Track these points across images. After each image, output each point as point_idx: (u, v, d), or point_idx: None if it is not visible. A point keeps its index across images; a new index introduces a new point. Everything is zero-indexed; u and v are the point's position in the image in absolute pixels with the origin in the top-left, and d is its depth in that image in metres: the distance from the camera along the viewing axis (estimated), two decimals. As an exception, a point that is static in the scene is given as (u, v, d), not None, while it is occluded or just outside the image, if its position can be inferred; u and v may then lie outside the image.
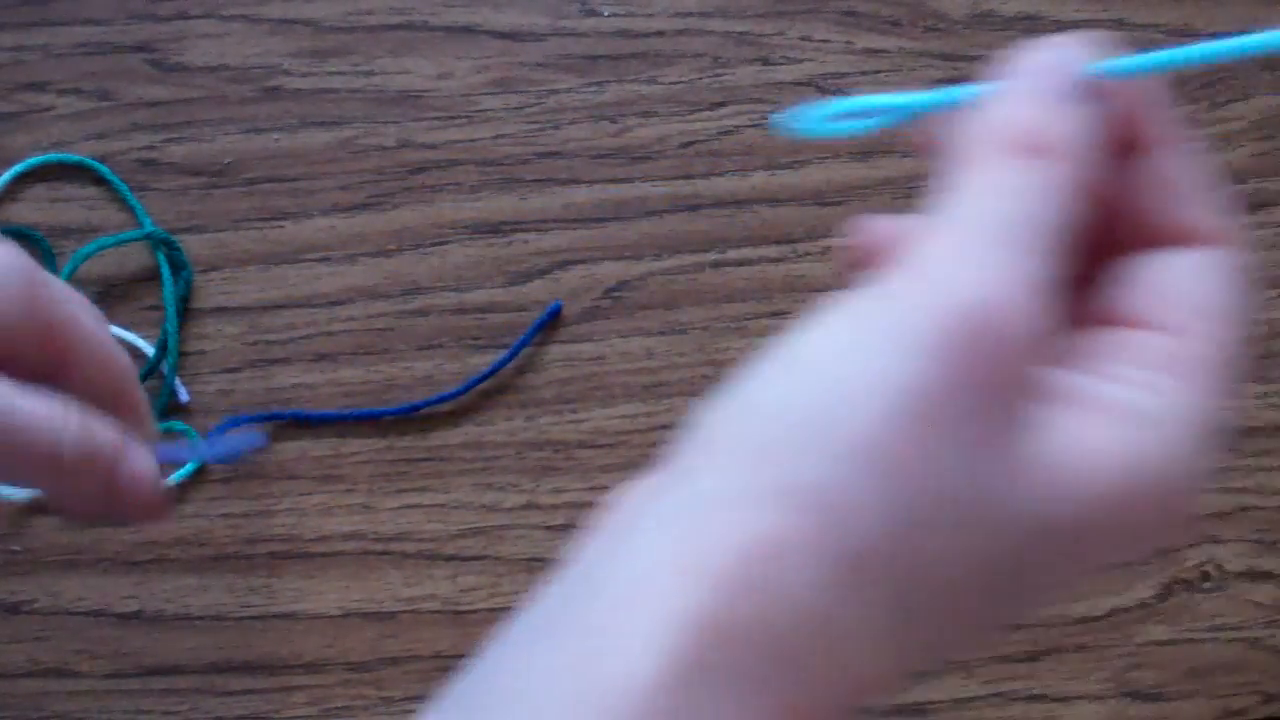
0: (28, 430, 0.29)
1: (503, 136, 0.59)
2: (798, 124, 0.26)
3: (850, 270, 0.23)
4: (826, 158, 0.60)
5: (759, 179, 0.59)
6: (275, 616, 0.55)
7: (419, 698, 0.55)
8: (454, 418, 0.57)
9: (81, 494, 0.30)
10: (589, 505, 0.57)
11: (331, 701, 0.55)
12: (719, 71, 0.60)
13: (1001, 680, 0.56)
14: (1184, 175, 0.23)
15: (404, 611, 0.56)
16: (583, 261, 0.59)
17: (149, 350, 0.57)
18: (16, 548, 0.56)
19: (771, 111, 0.60)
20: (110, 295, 0.58)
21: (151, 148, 0.59)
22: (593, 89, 0.60)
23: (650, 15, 0.60)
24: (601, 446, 0.57)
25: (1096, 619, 0.57)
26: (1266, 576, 0.57)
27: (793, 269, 0.59)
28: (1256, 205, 0.60)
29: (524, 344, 0.57)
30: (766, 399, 0.20)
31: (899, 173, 0.60)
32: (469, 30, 0.60)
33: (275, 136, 0.59)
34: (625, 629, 0.19)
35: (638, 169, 0.59)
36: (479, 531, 0.56)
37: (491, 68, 0.60)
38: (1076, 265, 0.23)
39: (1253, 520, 0.58)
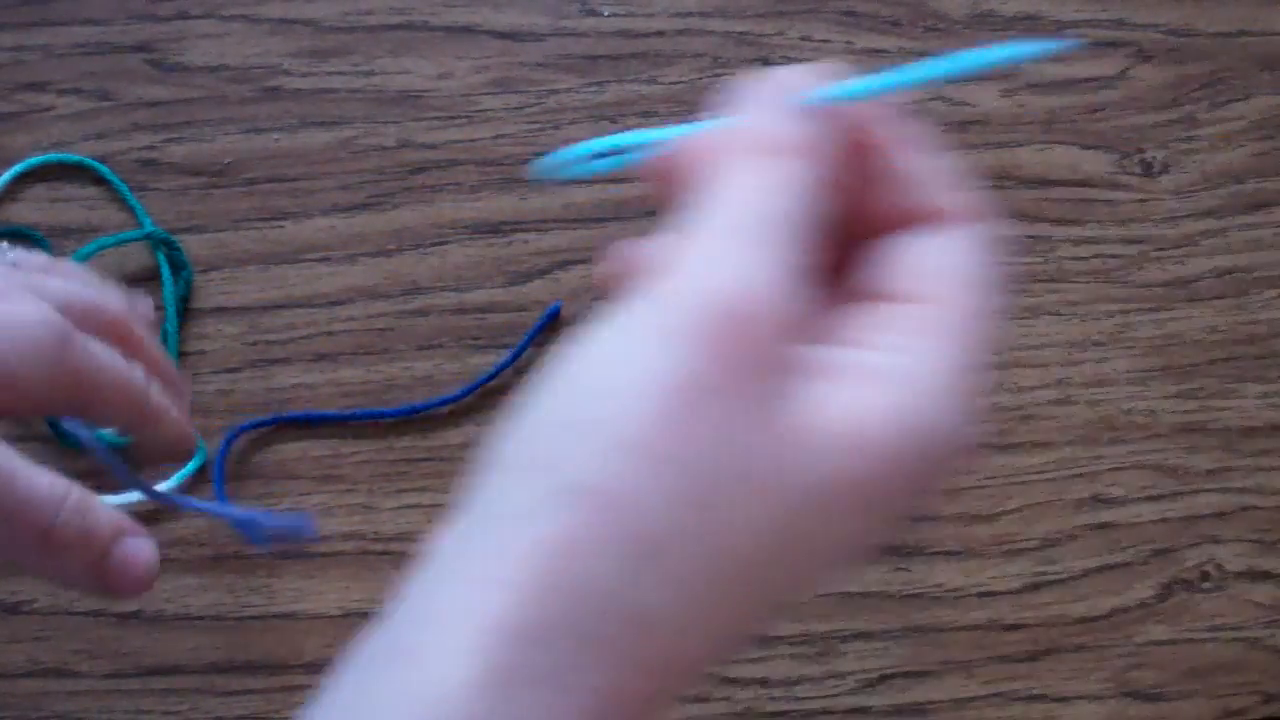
0: (24, 506, 0.31)
1: (503, 136, 0.59)
2: (554, 170, 0.28)
3: (608, 290, 0.24)
4: (826, 158, 0.60)
5: (759, 179, 0.59)
6: (275, 616, 0.55)
7: (419, 698, 0.55)
8: (454, 418, 0.57)
9: (67, 571, 0.33)
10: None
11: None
12: (719, 71, 0.60)
13: (1001, 680, 0.56)
14: (924, 166, 0.25)
15: (404, 611, 0.56)
16: (583, 261, 0.59)
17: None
18: (16, 548, 0.56)
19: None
20: (110, 295, 0.58)
21: (151, 148, 0.59)
22: (593, 89, 0.60)
23: (650, 15, 0.60)
24: (601, 446, 0.57)
25: (1096, 619, 0.57)
26: (1266, 576, 0.57)
27: (793, 269, 0.59)
28: (1256, 205, 0.60)
29: (525, 346, 0.57)
30: (544, 413, 0.22)
31: (899, 173, 0.59)
32: (469, 30, 0.60)
33: (275, 136, 0.59)
34: (440, 645, 0.20)
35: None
36: (479, 531, 0.56)
37: (491, 68, 0.60)
38: (837, 251, 0.25)
39: (1253, 520, 0.58)
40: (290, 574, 0.55)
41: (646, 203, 0.59)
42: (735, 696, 0.56)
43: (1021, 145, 0.60)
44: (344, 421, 0.56)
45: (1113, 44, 0.61)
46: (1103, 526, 0.57)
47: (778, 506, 0.21)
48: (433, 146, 0.59)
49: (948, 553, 0.57)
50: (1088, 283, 0.59)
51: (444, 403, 0.57)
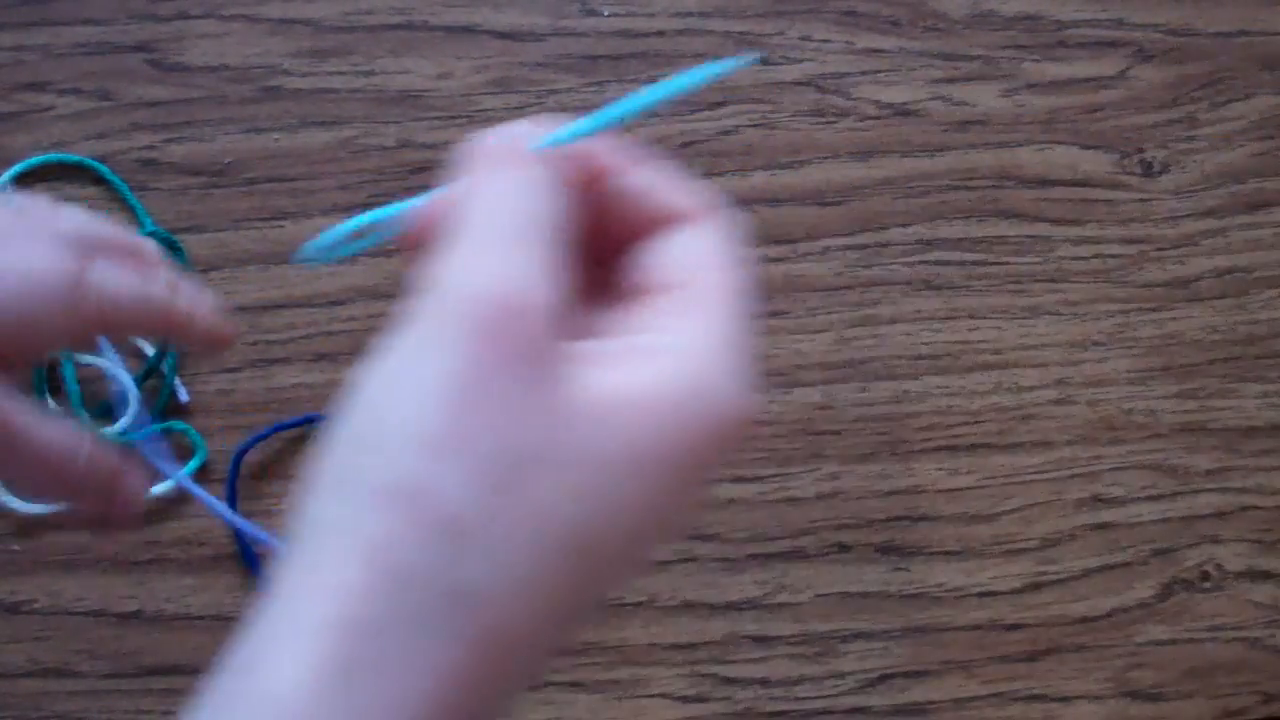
0: (47, 451, 0.33)
1: (503, 136, 0.59)
2: (319, 254, 0.30)
3: (414, 248, 0.27)
4: (826, 158, 0.60)
5: (759, 179, 0.59)
6: (275, 616, 0.55)
7: (419, 698, 0.55)
8: (454, 418, 0.57)
9: (81, 505, 0.35)
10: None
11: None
12: (719, 71, 0.60)
13: (1001, 680, 0.56)
14: (657, 179, 0.28)
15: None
16: (583, 261, 0.58)
17: (149, 350, 0.57)
18: (16, 548, 0.56)
19: (771, 111, 0.60)
20: (110, 295, 0.58)
21: (151, 148, 0.59)
22: (593, 89, 0.60)
23: (650, 15, 0.60)
24: (601, 446, 0.57)
25: (1096, 619, 0.57)
26: (1266, 576, 0.57)
27: (793, 269, 0.59)
28: (1256, 205, 0.60)
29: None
30: (347, 432, 0.24)
31: (899, 173, 0.60)
32: (469, 30, 0.60)
33: (275, 136, 0.59)
34: (280, 651, 0.22)
35: (638, 169, 0.59)
36: (479, 531, 0.56)
37: (491, 68, 0.60)
38: (598, 270, 0.28)
39: (1253, 520, 0.58)
40: (290, 574, 0.55)
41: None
42: (735, 696, 0.56)
43: (1021, 145, 0.60)
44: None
45: (1113, 44, 0.61)
46: (1103, 526, 0.57)
47: (576, 479, 0.23)
48: (433, 146, 0.59)
49: (948, 553, 0.57)
50: (1088, 283, 0.59)
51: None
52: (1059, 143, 0.60)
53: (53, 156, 0.58)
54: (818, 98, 0.60)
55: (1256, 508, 0.58)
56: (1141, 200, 0.60)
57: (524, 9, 0.60)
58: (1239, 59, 0.61)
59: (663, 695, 0.56)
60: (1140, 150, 0.60)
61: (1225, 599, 0.57)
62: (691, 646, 0.56)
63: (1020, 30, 0.61)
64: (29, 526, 0.56)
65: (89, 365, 0.56)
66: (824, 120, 0.60)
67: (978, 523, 0.57)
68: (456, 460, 0.22)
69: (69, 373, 0.56)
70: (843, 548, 0.57)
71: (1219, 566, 0.57)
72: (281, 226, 0.58)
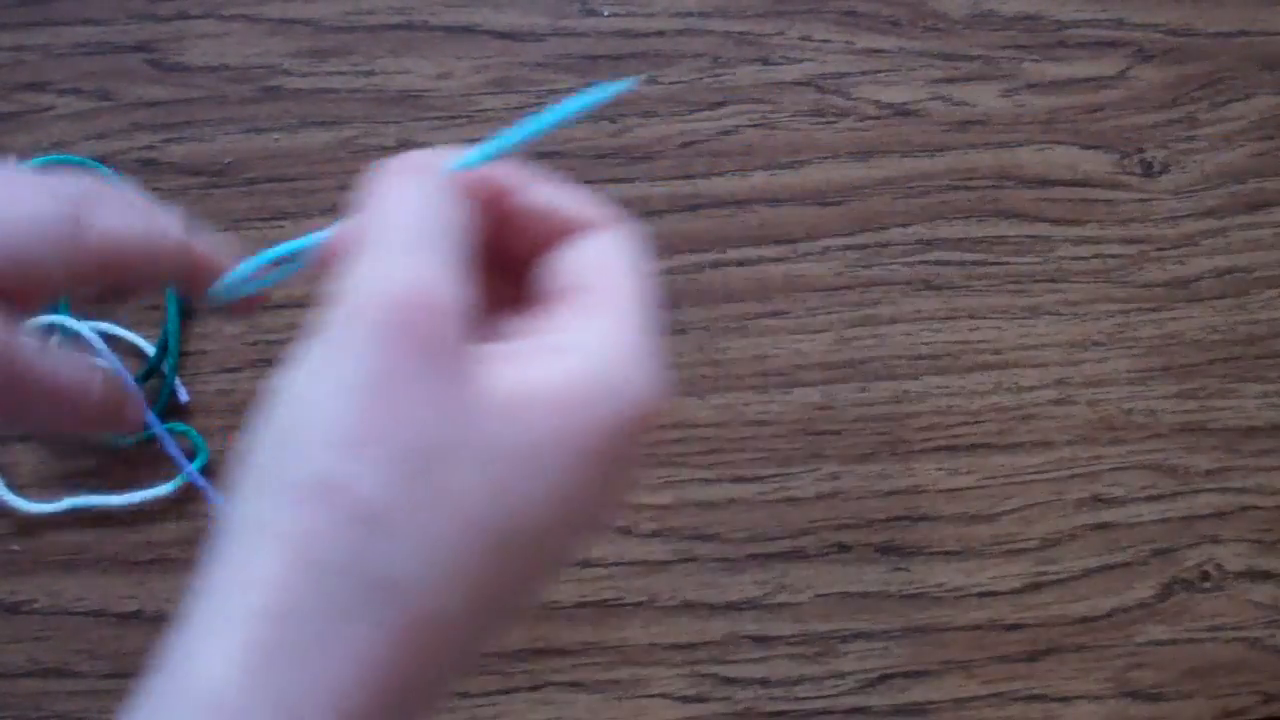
0: (61, 387, 0.34)
1: (503, 136, 0.59)
2: (232, 290, 0.31)
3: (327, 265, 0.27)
4: (826, 158, 0.60)
5: (759, 179, 0.59)
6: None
7: (419, 698, 0.55)
8: (454, 418, 0.57)
9: (99, 425, 0.36)
10: (589, 505, 0.57)
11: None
12: (719, 71, 0.60)
13: (1001, 680, 0.56)
14: (558, 194, 0.29)
15: (404, 611, 0.56)
16: (583, 261, 0.58)
17: (149, 350, 0.57)
18: (16, 548, 0.56)
19: (771, 111, 0.60)
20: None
21: (151, 148, 0.59)
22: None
23: (650, 15, 0.60)
24: (601, 446, 0.57)
25: (1096, 619, 0.57)
26: (1266, 576, 0.57)
27: (793, 269, 0.59)
28: (1256, 205, 0.60)
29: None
30: (267, 436, 0.24)
31: (899, 173, 0.60)
32: (469, 30, 0.60)
33: (275, 136, 0.59)
34: (207, 644, 0.23)
35: (638, 169, 0.59)
36: (479, 531, 0.56)
37: (491, 68, 0.60)
38: (510, 286, 0.29)
39: (1253, 520, 0.58)
40: (290, 574, 0.55)
41: (648, 203, 0.59)
42: (735, 696, 0.56)
43: (1021, 145, 0.60)
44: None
45: (1113, 44, 0.61)
46: (1103, 526, 0.57)
47: (489, 471, 0.24)
48: (433, 146, 0.59)
49: (948, 553, 0.57)
50: (1088, 283, 0.59)
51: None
52: (1059, 143, 0.60)
53: (53, 157, 0.58)
54: (818, 98, 0.60)
55: (1256, 508, 0.58)
56: (1141, 200, 0.60)
57: (524, 9, 0.60)
58: (1239, 59, 0.61)
59: (663, 695, 0.56)
60: (1140, 150, 0.60)
61: (1225, 599, 0.57)
62: (691, 646, 0.56)
63: (1020, 30, 0.61)
64: (29, 526, 0.56)
65: (89, 365, 0.56)
66: (824, 120, 0.60)
67: (978, 523, 0.57)
68: (370, 455, 0.23)
69: (69, 373, 0.56)
70: (843, 548, 0.57)
71: (1219, 566, 0.57)
72: (281, 226, 0.58)
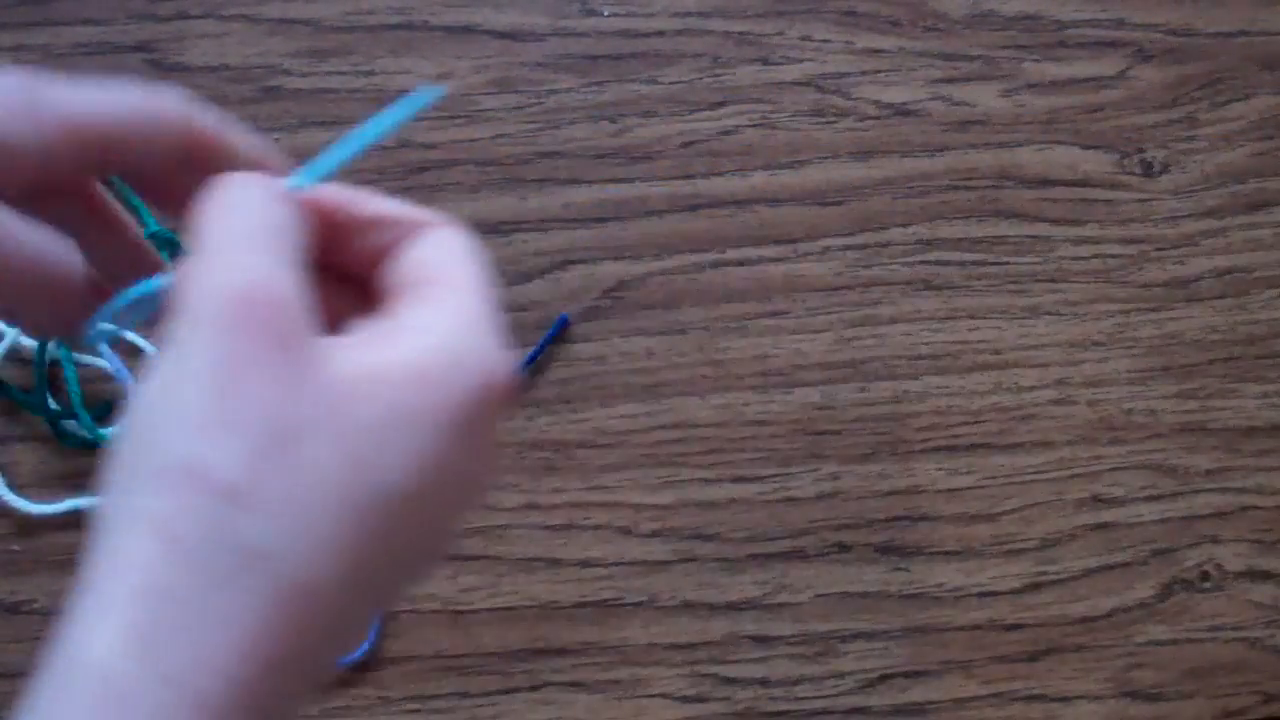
0: (41, 265, 0.32)
1: (503, 136, 0.59)
2: (104, 331, 0.32)
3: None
4: (826, 158, 0.60)
5: (759, 179, 0.59)
6: (275, 616, 0.55)
7: (419, 697, 0.55)
8: (454, 418, 0.57)
9: (75, 312, 0.34)
10: (589, 505, 0.57)
11: (332, 701, 0.55)
12: (719, 71, 0.60)
13: (1001, 680, 0.56)
14: (386, 204, 0.31)
15: (404, 611, 0.56)
16: (583, 261, 0.59)
17: (150, 349, 0.57)
18: (16, 548, 0.56)
19: (771, 111, 0.60)
20: (110, 295, 0.58)
21: (151, 148, 0.59)
22: (593, 89, 0.60)
23: (650, 15, 0.60)
24: (601, 446, 0.57)
25: (1096, 619, 0.57)
26: (1266, 576, 0.57)
27: (793, 269, 0.59)
28: (1256, 205, 0.60)
29: (534, 358, 0.57)
30: (132, 428, 0.26)
31: (899, 173, 0.60)
32: (469, 30, 0.60)
33: (275, 136, 0.59)
34: (91, 626, 0.24)
35: (638, 169, 0.59)
36: (479, 531, 0.56)
37: (491, 68, 0.60)
38: (353, 295, 0.31)
39: (1253, 520, 0.58)
40: (290, 574, 0.55)
41: (648, 203, 0.59)
42: (735, 696, 0.56)
43: (1021, 145, 0.60)
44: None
45: (1113, 44, 0.61)
46: (1103, 526, 0.57)
47: (344, 444, 0.25)
48: (433, 146, 0.59)
49: (948, 553, 0.57)
50: (1088, 283, 0.59)
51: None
52: (1059, 143, 0.60)
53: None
54: (818, 98, 0.60)
55: (1256, 508, 0.58)
56: (1141, 200, 0.60)
57: (524, 9, 0.60)
58: (1239, 59, 0.61)
59: (663, 695, 0.56)
60: (1140, 150, 0.60)
61: (1225, 599, 0.57)
62: (691, 646, 0.56)
63: (1020, 30, 0.61)
64: (29, 526, 0.56)
65: (89, 366, 0.56)
66: (824, 120, 0.60)
67: (978, 523, 0.57)
68: (224, 437, 0.24)
69: (70, 373, 0.56)
70: (843, 548, 0.57)
71: (1219, 566, 0.57)
72: (281, 226, 0.58)
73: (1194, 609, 0.57)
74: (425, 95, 0.32)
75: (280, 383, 0.25)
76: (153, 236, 0.57)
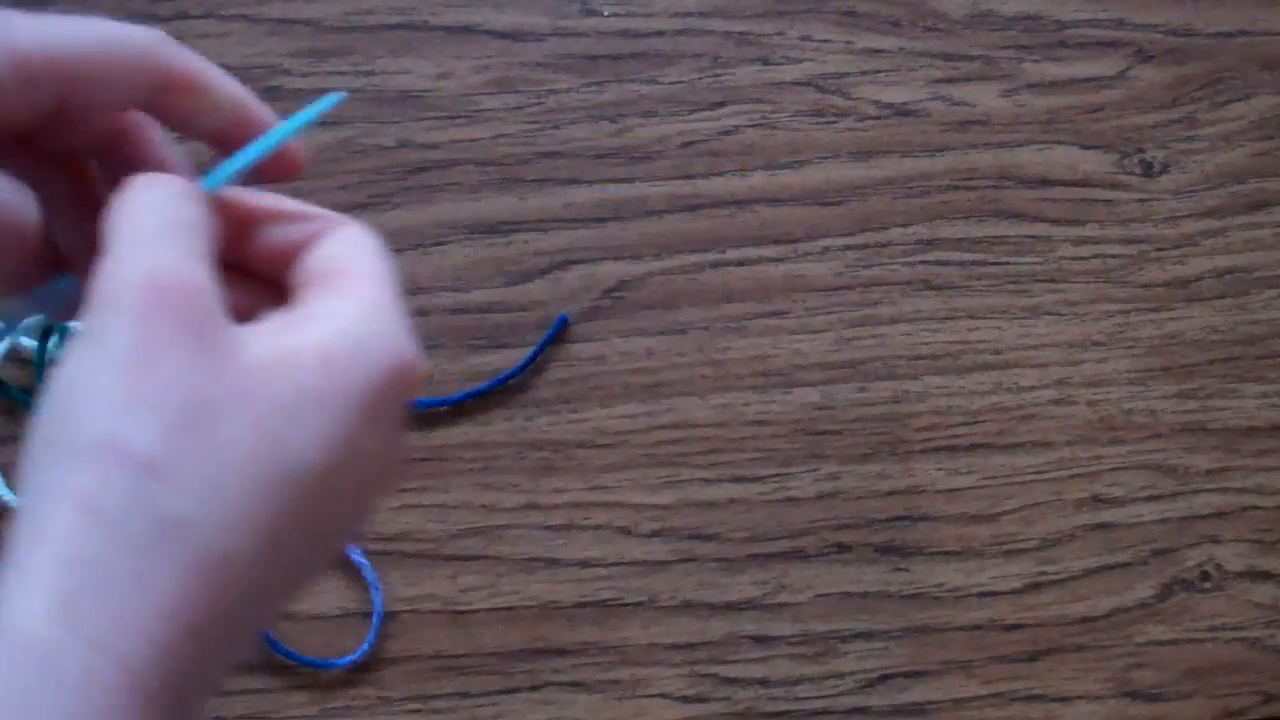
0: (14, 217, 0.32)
1: (502, 136, 0.59)
2: (22, 313, 0.33)
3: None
4: (826, 158, 0.60)
5: (759, 179, 0.59)
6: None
7: (419, 697, 0.55)
8: (454, 417, 0.57)
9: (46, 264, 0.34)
10: (589, 505, 0.57)
11: (331, 701, 0.55)
12: (719, 71, 0.60)
13: (1001, 680, 0.56)
14: (293, 205, 0.32)
15: (404, 611, 0.56)
16: (583, 261, 0.59)
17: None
18: (16, 548, 0.56)
19: (771, 111, 0.60)
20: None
21: (151, 148, 0.59)
22: (593, 89, 0.60)
23: (650, 15, 0.60)
24: (601, 446, 0.57)
25: (1096, 619, 0.57)
26: (1266, 576, 0.57)
27: (793, 269, 0.59)
28: (1256, 205, 0.60)
29: (533, 358, 0.57)
30: (50, 412, 0.27)
31: (899, 173, 0.60)
32: (469, 30, 0.60)
33: (275, 136, 0.59)
34: (17, 594, 0.24)
35: (638, 169, 0.59)
36: (479, 531, 0.56)
37: (491, 68, 0.60)
38: (269, 293, 0.32)
39: (1253, 520, 0.58)
40: (290, 574, 0.55)
41: (648, 203, 0.59)
42: (735, 696, 0.56)
43: (1021, 145, 0.60)
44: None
45: (1113, 44, 0.61)
46: (1103, 526, 0.57)
47: (260, 422, 0.26)
48: (433, 146, 0.59)
49: (948, 553, 0.57)
50: (1088, 283, 0.59)
51: (445, 403, 0.57)
52: (1059, 143, 0.60)
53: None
54: (818, 98, 0.60)
55: (1256, 508, 0.58)
56: (1141, 200, 0.60)
57: (524, 9, 0.60)
58: (1239, 59, 0.61)
59: (663, 695, 0.56)
60: (1140, 150, 0.60)
61: (1225, 599, 0.57)
62: (691, 646, 0.56)
63: (1020, 30, 0.61)
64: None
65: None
66: (824, 120, 0.60)
67: (978, 523, 0.57)
68: (142, 413, 0.25)
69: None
70: (843, 548, 0.57)
71: (1219, 566, 0.57)
72: (281, 226, 0.58)
73: (1194, 609, 0.57)
74: (330, 100, 0.33)
75: (194, 364, 0.26)
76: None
